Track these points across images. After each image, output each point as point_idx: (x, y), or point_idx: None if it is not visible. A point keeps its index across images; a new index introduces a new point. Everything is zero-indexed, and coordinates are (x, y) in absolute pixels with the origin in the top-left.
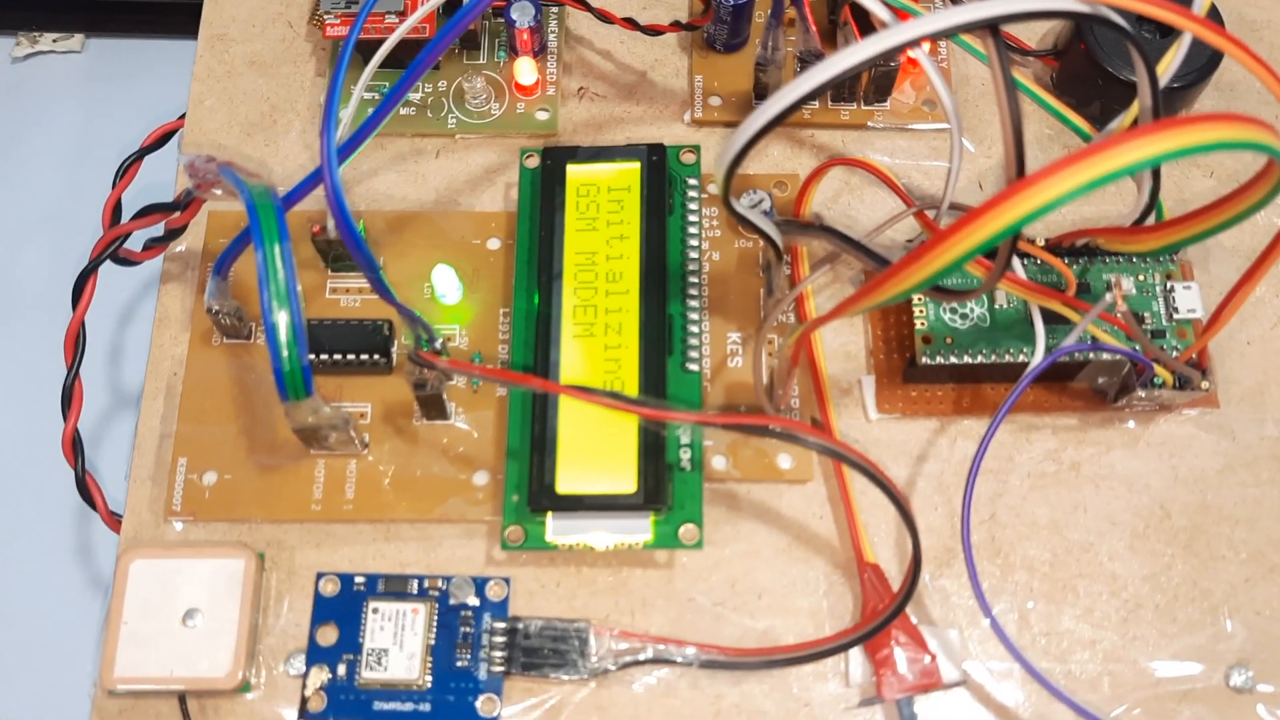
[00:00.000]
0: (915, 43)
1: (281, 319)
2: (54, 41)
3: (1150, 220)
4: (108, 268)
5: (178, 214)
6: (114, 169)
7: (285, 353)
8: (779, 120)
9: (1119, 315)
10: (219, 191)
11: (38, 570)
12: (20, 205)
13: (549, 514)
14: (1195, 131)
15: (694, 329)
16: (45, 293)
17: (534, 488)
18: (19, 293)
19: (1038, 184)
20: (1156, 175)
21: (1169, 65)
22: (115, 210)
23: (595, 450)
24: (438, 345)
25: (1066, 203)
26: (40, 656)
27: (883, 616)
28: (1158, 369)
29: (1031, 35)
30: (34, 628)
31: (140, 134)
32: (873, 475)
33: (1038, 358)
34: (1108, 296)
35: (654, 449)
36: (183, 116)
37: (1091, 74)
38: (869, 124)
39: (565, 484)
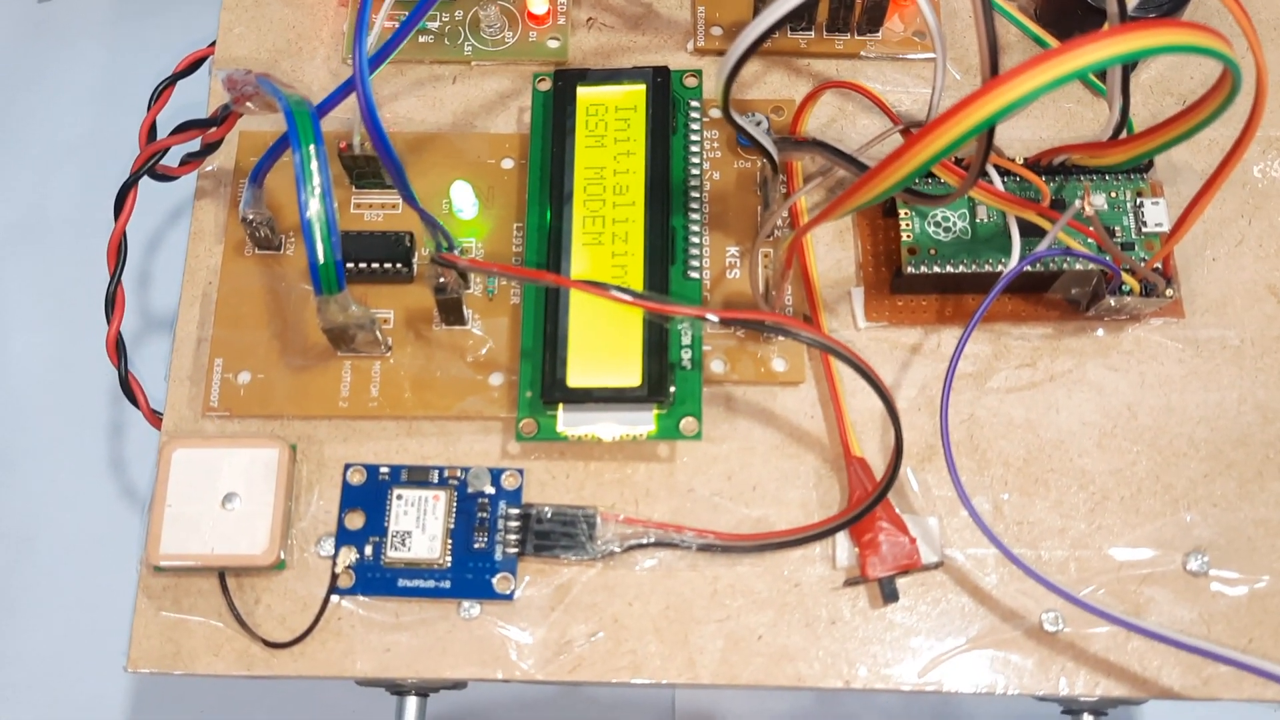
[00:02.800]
0: None
1: (317, 216)
2: None
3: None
4: (140, 190)
5: (214, 129)
6: (136, 103)
7: (321, 247)
8: (771, 31)
9: (1087, 222)
10: (253, 106)
11: (76, 473)
12: (50, 137)
13: (560, 407)
14: (1149, 35)
15: (695, 240)
16: (75, 218)
17: (546, 381)
18: (51, 217)
19: (1008, 82)
20: (1126, 91)
21: None
22: (151, 132)
23: (603, 348)
24: (457, 251)
25: (1034, 99)
26: (83, 551)
27: (867, 502)
28: (1126, 277)
29: None
30: (74, 530)
31: (162, 70)
32: (856, 365)
33: (1013, 264)
34: (1076, 204)
35: (657, 347)
36: (212, 44)
37: (1072, 5)
38: (862, 53)
39: (575, 378)
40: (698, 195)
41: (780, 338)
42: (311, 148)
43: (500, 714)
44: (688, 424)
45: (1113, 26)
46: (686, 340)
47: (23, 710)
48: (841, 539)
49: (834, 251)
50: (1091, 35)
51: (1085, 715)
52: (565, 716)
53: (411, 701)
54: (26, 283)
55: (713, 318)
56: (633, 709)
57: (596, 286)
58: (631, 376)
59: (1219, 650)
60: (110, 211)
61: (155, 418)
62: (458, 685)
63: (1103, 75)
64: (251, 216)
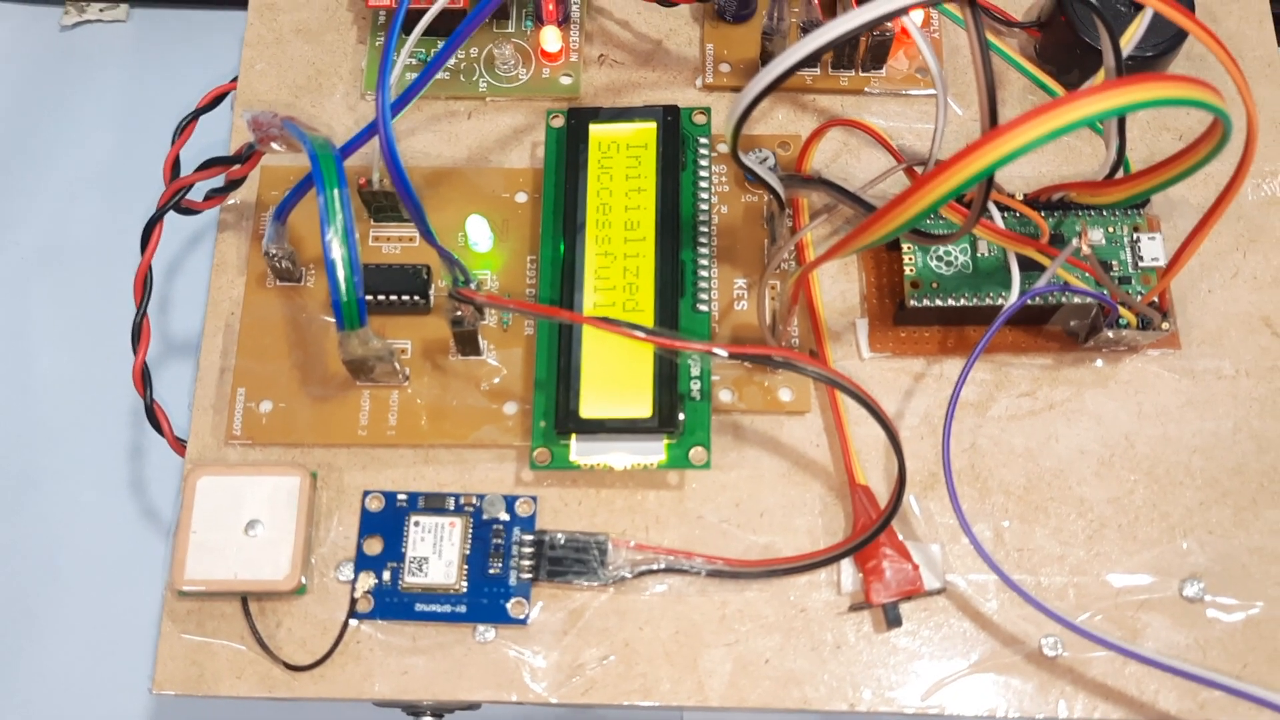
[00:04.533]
0: (902, 12)
1: (340, 255)
2: (100, 11)
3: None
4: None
5: (238, 166)
6: (156, 131)
7: (344, 285)
8: (780, 80)
9: (1085, 259)
10: (278, 146)
11: (98, 495)
12: (71, 164)
13: (573, 437)
14: (1144, 89)
15: (704, 274)
16: (97, 243)
17: (560, 413)
18: (74, 242)
19: (1007, 133)
20: (1122, 134)
21: (1133, 34)
22: (174, 165)
23: (615, 380)
24: (473, 285)
25: (1032, 149)
26: (104, 572)
27: (871, 529)
28: (1123, 311)
29: (1017, 9)
30: (95, 551)
31: (181, 99)
32: (861, 399)
33: (1013, 298)
34: (1074, 241)
35: (667, 379)
36: (234, 80)
37: (1071, 44)
38: (866, 89)
39: (588, 409)
40: (706, 229)
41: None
42: (336, 191)
43: None
44: (697, 454)
45: (1109, 80)
46: (696, 372)
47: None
48: (846, 565)
49: (839, 284)
50: (1089, 90)
51: None
52: None
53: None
54: (50, 307)
55: (721, 353)
56: None
57: (609, 323)
58: (643, 408)
59: (1213, 677)
60: (131, 235)
61: (179, 445)
62: (472, 707)
63: None
64: (274, 251)
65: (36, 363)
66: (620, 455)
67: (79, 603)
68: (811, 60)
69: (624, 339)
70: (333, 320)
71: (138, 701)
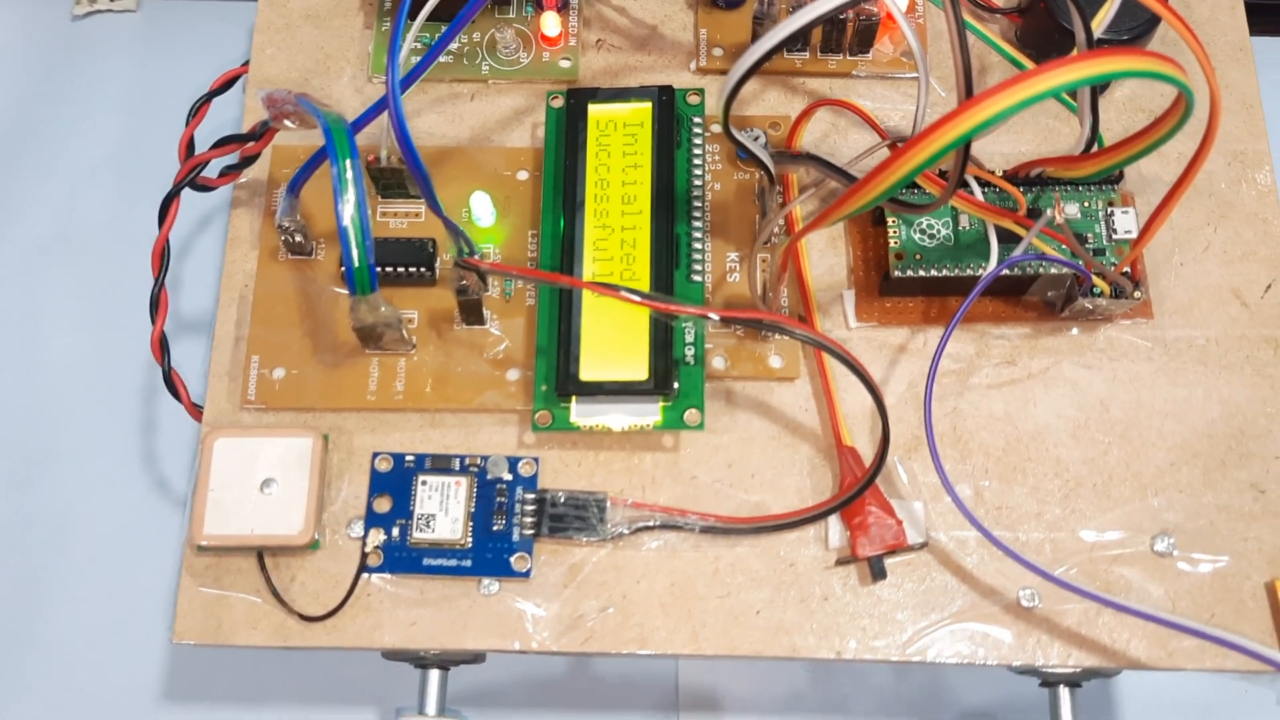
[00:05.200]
0: None
1: (353, 222)
2: (111, 1)
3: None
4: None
5: (252, 144)
6: (165, 118)
7: (356, 251)
8: (768, 56)
9: (1059, 229)
10: (290, 123)
11: (111, 467)
12: (82, 149)
13: (573, 399)
14: (1108, 62)
15: (698, 246)
16: (108, 227)
17: (561, 376)
18: (85, 226)
19: (981, 103)
20: (1095, 111)
21: (1104, 17)
22: (189, 145)
23: (613, 345)
24: (477, 255)
25: (1004, 118)
26: (117, 541)
27: (857, 487)
28: (1096, 280)
29: None
30: (109, 520)
31: (190, 87)
32: (846, 360)
33: (991, 267)
34: (1049, 212)
35: (663, 344)
36: (245, 64)
37: (1049, 28)
38: (853, 73)
39: (587, 372)
40: (700, 204)
41: (777, 336)
42: (348, 161)
43: (512, 695)
44: (691, 415)
45: (1079, 53)
46: (690, 338)
47: (61, 689)
48: (833, 522)
49: (827, 257)
50: (1058, 61)
51: (1061, 687)
52: (573, 698)
53: (434, 674)
54: (62, 288)
55: (714, 316)
56: (638, 691)
57: (607, 288)
58: (639, 371)
59: (1183, 622)
60: (141, 219)
61: (196, 410)
62: (476, 659)
63: (1075, 94)
64: (287, 224)
65: (50, 342)
66: (618, 417)
67: (94, 570)
68: (797, 39)
69: (622, 306)
70: (342, 292)
71: (151, 662)
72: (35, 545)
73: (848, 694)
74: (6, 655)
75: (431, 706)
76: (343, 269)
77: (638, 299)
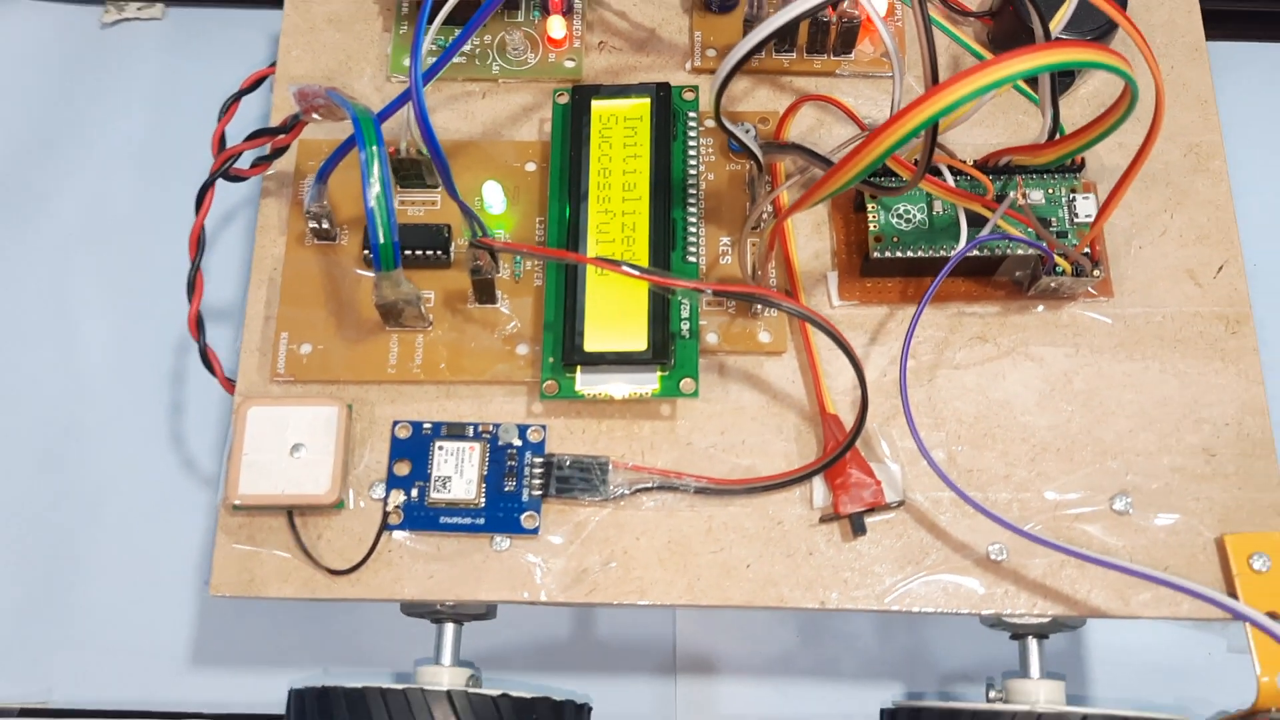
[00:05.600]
0: None
1: (379, 202)
2: (138, 9)
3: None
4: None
5: (282, 136)
6: (191, 119)
7: (382, 229)
8: (753, 53)
9: (1021, 211)
10: (318, 116)
11: (139, 447)
12: (111, 148)
13: (578, 369)
14: (1057, 53)
15: (693, 230)
16: (136, 218)
17: (566, 347)
18: (115, 217)
19: (944, 89)
20: (1055, 102)
21: (1062, 16)
22: (221, 139)
23: (614, 318)
24: (490, 237)
25: (967, 102)
26: (146, 516)
27: (839, 449)
28: (1059, 259)
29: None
30: (138, 497)
31: (215, 90)
32: (827, 330)
33: (960, 245)
34: (1012, 195)
35: (661, 318)
36: (272, 65)
37: (1018, 30)
38: (837, 72)
39: (590, 344)
40: (695, 192)
41: (766, 312)
42: (375, 148)
43: (518, 658)
44: (686, 383)
45: (1031, 45)
46: (686, 314)
47: (95, 652)
48: (817, 482)
49: (813, 242)
50: (1012, 52)
51: (1029, 638)
52: (577, 660)
53: (449, 628)
54: (93, 276)
55: (707, 290)
56: (638, 654)
57: (609, 262)
58: (639, 342)
59: (1140, 569)
60: (168, 213)
61: (229, 384)
62: (488, 614)
63: (1036, 86)
64: (315, 210)
65: (80, 327)
66: (619, 385)
67: (124, 544)
68: (783, 35)
69: (622, 283)
70: (364, 274)
71: (181, 630)
72: (68, 521)
73: (836, 656)
74: (45, 621)
75: (447, 658)
76: (366, 250)
77: (636, 273)
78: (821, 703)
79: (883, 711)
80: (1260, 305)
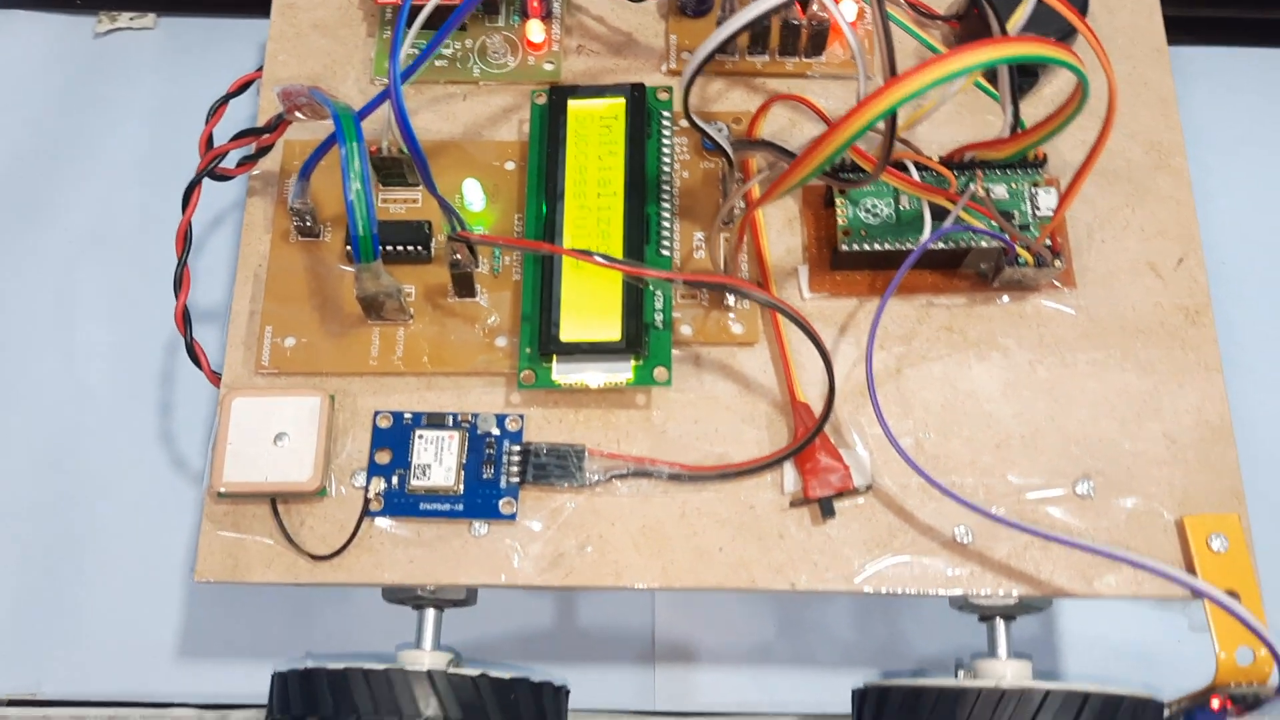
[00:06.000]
0: None
1: (358, 196)
2: (130, 19)
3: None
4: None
5: (267, 135)
6: (184, 124)
7: (361, 222)
8: (719, 49)
9: (982, 202)
10: (302, 115)
11: (131, 446)
12: (108, 155)
13: (554, 359)
14: (1009, 47)
15: (666, 225)
16: (132, 227)
17: (543, 337)
18: (110, 227)
19: (901, 80)
20: (1015, 98)
21: (1019, 18)
22: (209, 140)
23: (589, 309)
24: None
25: (923, 93)
26: (138, 512)
27: (808, 435)
28: (1020, 250)
29: (940, 3)
30: (131, 495)
31: (206, 95)
32: (794, 318)
33: (924, 237)
34: (971, 186)
35: (634, 309)
36: (259, 69)
37: (983, 33)
38: (808, 73)
39: (566, 334)
40: (669, 189)
41: (739, 304)
42: (355, 143)
43: (499, 648)
44: (660, 372)
45: (985, 39)
46: (659, 304)
47: (89, 646)
48: (788, 468)
49: (784, 238)
50: (965, 46)
51: (997, 619)
52: (557, 650)
53: (430, 613)
54: (91, 280)
55: (679, 280)
56: (617, 643)
57: (582, 253)
58: (613, 332)
59: (1103, 548)
60: (164, 216)
61: (215, 376)
62: (468, 600)
63: (995, 81)
64: (298, 206)
65: (78, 330)
66: (594, 374)
67: (118, 540)
68: (752, 28)
69: (598, 275)
70: (347, 269)
71: (171, 622)
72: (61, 517)
73: (813, 645)
74: (35, 614)
75: (428, 642)
76: (348, 245)
77: (607, 262)
78: (798, 690)
79: (854, 692)
80: (1226, 302)
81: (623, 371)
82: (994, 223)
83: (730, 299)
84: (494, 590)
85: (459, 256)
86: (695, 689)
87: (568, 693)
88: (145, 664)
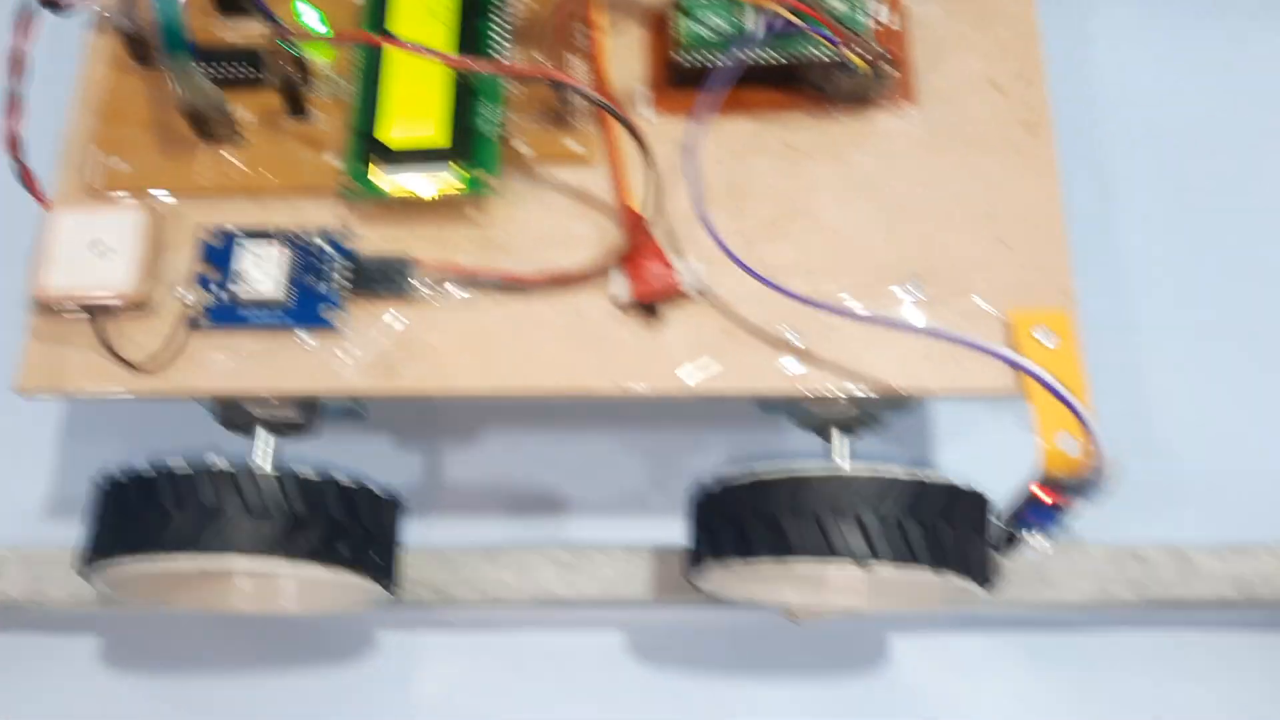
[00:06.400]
0: None
1: None
2: None
3: None
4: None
5: None
6: None
7: (160, 9)
8: None
9: (813, 5)
10: None
11: None
12: None
13: (380, 165)
14: None
15: (499, 43)
16: None
17: (366, 144)
18: None
19: None
20: None
21: None
22: None
23: (417, 115)
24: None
25: None
26: None
27: (635, 237)
28: (855, 59)
29: None
30: None
31: None
32: (616, 113)
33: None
34: None
35: (464, 115)
36: None
37: None
38: None
39: (392, 140)
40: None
41: (576, 122)
42: None
43: None
44: (488, 180)
45: None
46: (491, 115)
47: None
48: (615, 273)
49: (627, 64)
50: None
51: (832, 429)
52: (421, 502)
53: (261, 432)
54: None
55: (508, 73)
56: (485, 495)
57: (412, 45)
58: (442, 139)
59: (926, 326)
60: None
61: (46, 201)
62: (305, 427)
63: None
64: (122, 24)
65: None
66: (422, 182)
67: None
68: None
69: (426, 82)
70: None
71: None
72: None
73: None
74: None
75: (260, 462)
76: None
77: (438, 56)
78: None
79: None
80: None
81: (451, 180)
82: (827, 29)
83: (568, 114)
84: (355, 443)
85: (288, 69)
86: (565, 536)
87: (398, 506)
88: None
